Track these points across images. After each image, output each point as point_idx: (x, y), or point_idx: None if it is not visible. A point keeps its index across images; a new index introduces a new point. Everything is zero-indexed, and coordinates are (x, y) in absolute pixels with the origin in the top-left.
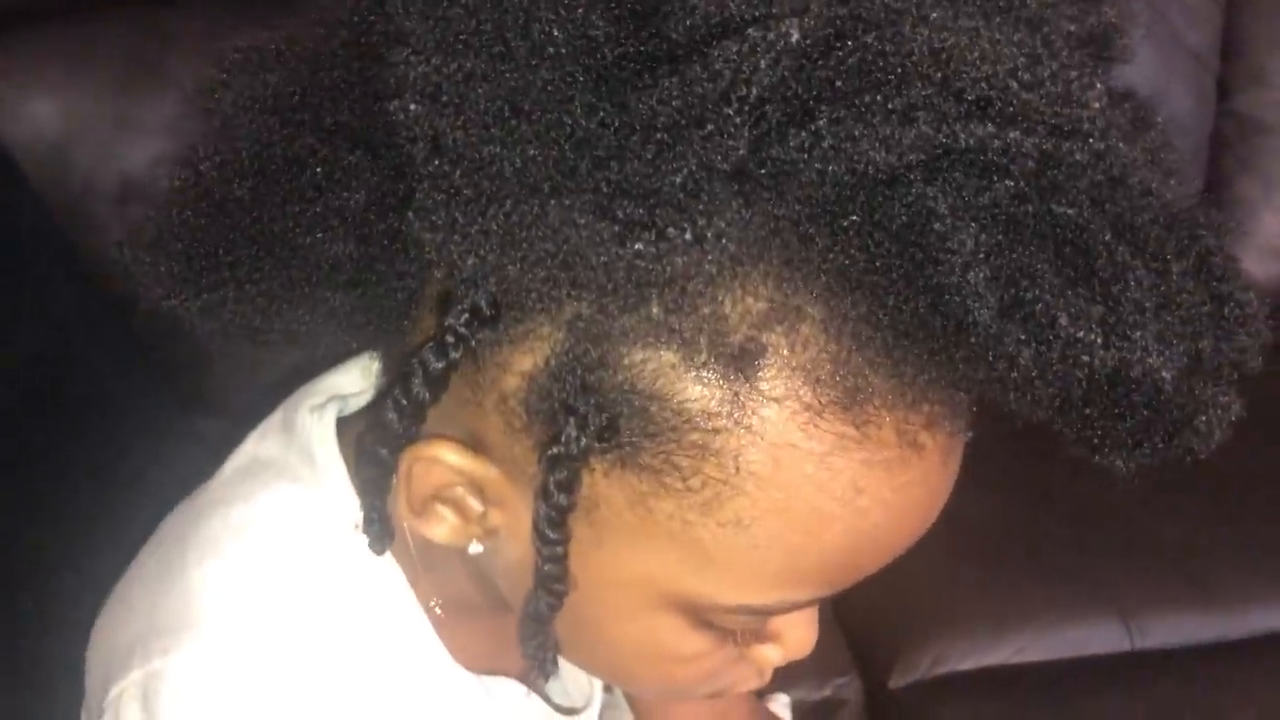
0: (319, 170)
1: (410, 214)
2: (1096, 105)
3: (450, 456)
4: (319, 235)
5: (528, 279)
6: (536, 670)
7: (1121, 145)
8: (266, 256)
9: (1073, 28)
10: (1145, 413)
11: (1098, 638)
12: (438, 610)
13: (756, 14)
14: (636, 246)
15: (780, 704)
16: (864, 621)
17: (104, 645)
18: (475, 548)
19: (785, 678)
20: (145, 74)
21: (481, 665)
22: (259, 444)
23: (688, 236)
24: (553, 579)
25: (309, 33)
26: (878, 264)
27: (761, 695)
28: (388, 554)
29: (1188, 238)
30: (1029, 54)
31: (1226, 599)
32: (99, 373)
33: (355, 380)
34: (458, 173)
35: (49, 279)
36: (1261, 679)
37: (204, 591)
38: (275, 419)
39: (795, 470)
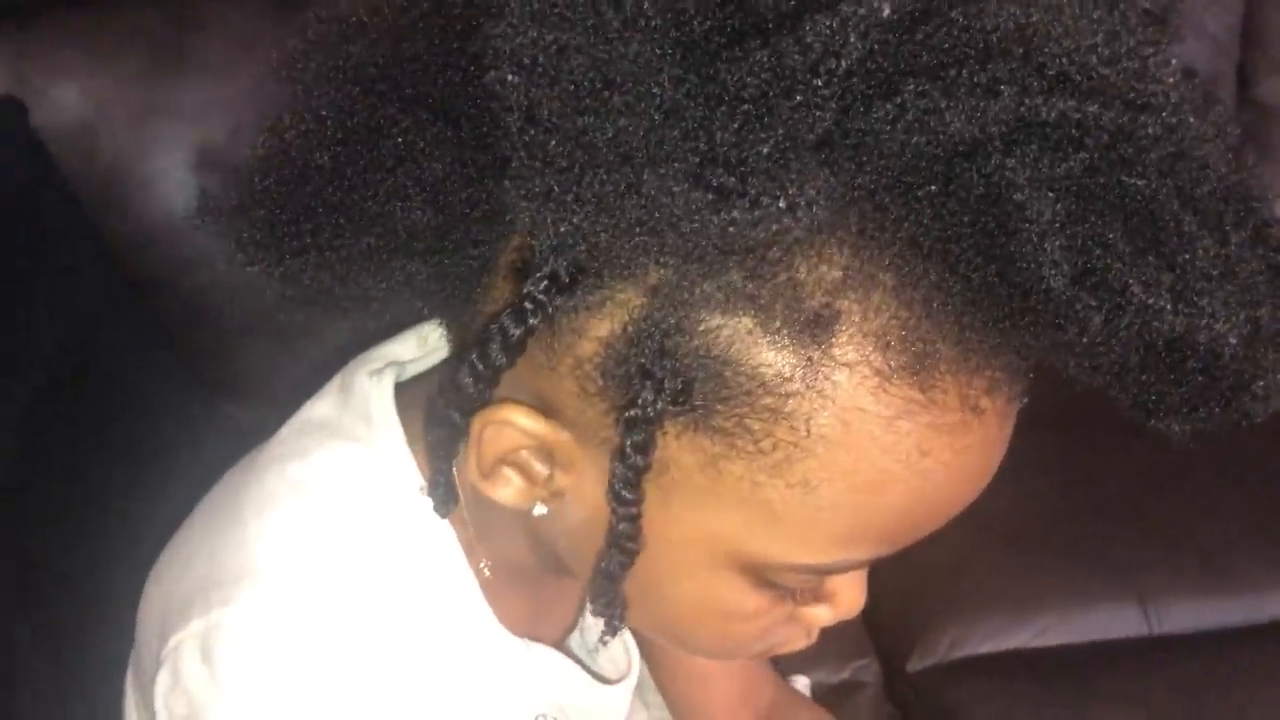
0: (399, 140)
1: (506, 181)
2: (1171, 81)
3: (522, 420)
4: (398, 204)
5: (618, 245)
6: (605, 628)
7: (1192, 120)
8: (347, 224)
9: (1148, 4)
10: (1202, 378)
11: (1116, 622)
12: (486, 572)
13: None
14: (732, 214)
15: (800, 685)
16: (883, 605)
17: (160, 597)
18: (539, 509)
19: (804, 660)
20: (171, 60)
21: (522, 630)
22: (314, 407)
23: (781, 204)
24: (626, 537)
25: (390, 3)
26: (951, 232)
27: (784, 676)
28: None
29: (1244, 209)
30: (1108, 31)
31: (1245, 584)
32: (124, 357)
33: (411, 348)
34: (553, 141)
35: (75, 264)
36: None
37: (262, 544)
38: (333, 383)
39: (864, 433)
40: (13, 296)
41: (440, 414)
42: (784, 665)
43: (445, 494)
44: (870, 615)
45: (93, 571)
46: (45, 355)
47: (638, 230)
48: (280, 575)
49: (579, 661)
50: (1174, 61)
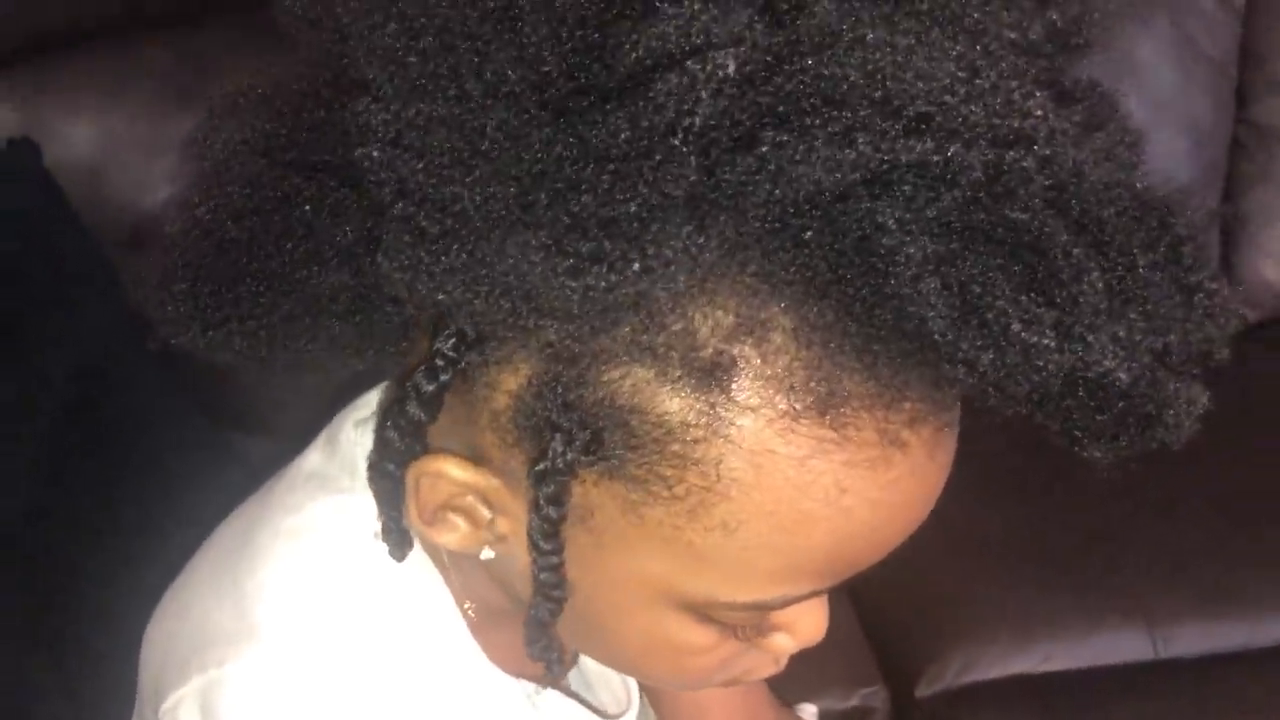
0: (308, 208)
1: (379, 255)
2: (1039, 113)
3: (454, 471)
4: (314, 269)
5: (492, 312)
6: (547, 672)
7: (1070, 148)
8: (266, 292)
9: (1013, 35)
10: (1119, 407)
11: (1123, 646)
12: (471, 614)
13: (694, 45)
14: (588, 280)
15: (808, 713)
16: (891, 630)
17: (158, 651)
18: (487, 554)
19: (811, 687)
20: (180, 97)
21: (516, 668)
22: (305, 458)
23: (636, 268)
24: (550, 586)
25: (294, 72)
26: (839, 275)
27: (790, 704)
28: (425, 560)
29: (1157, 228)
30: (968, 67)
31: (1251, 608)
32: (134, 390)
33: None
34: (422, 214)
35: (87, 298)
36: None
37: (258, 602)
38: (323, 434)
39: (776, 475)
40: (26, 329)
41: (376, 466)
42: (791, 693)
43: (398, 540)
44: (878, 641)
45: (105, 608)
46: (57, 389)
47: (506, 297)
48: (277, 632)
49: (578, 697)
50: (1039, 94)
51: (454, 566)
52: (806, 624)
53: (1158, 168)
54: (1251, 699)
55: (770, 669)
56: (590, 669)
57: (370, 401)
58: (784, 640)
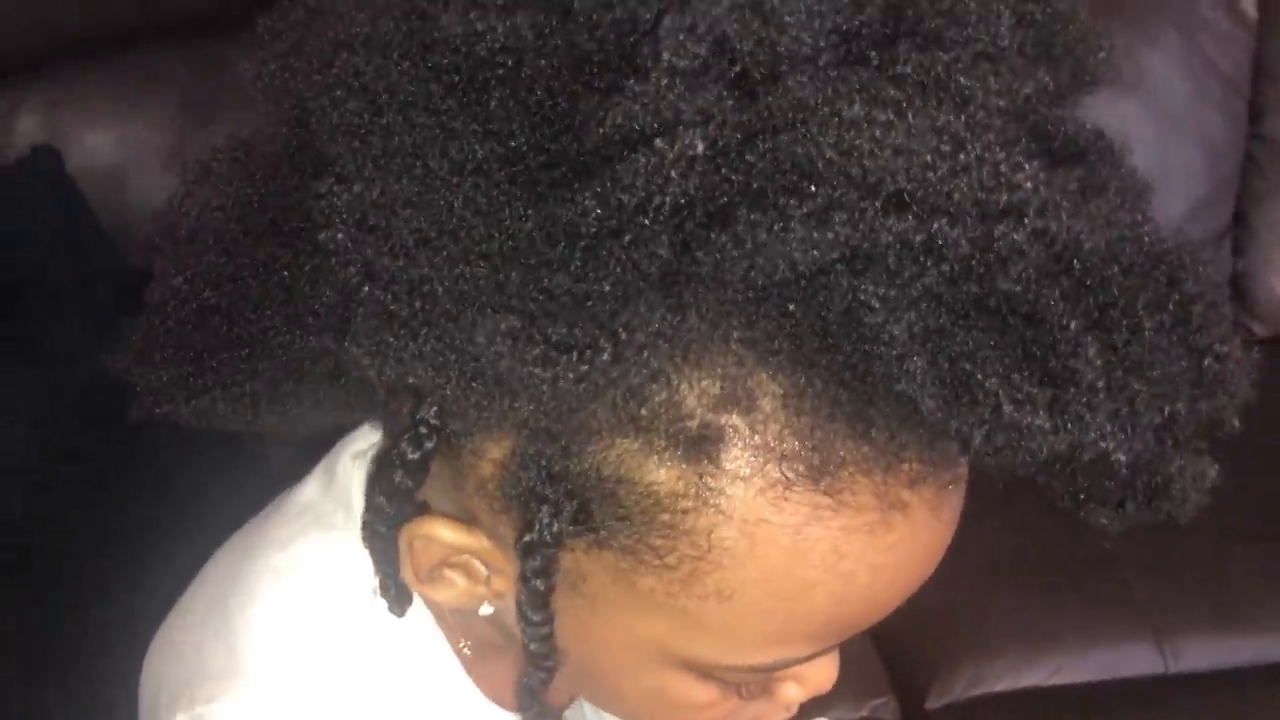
0: (285, 274)
1: (347, 340)
2: (1029, 185)
3: (445, 533)
4: (294, 334)
5: (464, 396)
6: None
7: (1065, 218)
8: (248, 358)
9: (1001, 101)
10: (1125, 479)
11: (1132, 660)
12: (467, 651)
13: (665, 122)
14: (557, 370)
15: None
16: (901, 643)
17: (152, 681)
18: (486, 609)
19: (821, 699)
20: (201, 105)
21: (511, 702)
22: (301, 489)
23: (606, 357)
24: (540, 657)
25: (267, 134)
26: (826, 344)
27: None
28: (418, 602)
29: (1165, 285)
30: (952, 139)
31: (1260, 623)
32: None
33: None
34: (390, 297)
35: (109, 303)
36: None
37: (247, 640)
38: (320, 465)
39: (771, 544)
40: (46, 337)
41: (369, 527)
42: (801, 706)
43: (397, 597)
44: (888, 653)
45: (118, 621)
46: (78, 396)
47: (476, 382)
48: (264, 673)
49: None
50: (1029, 165)
51: (451, 612)
52: (815, 675)
53: (1163, 180)
54: (1260, 713)
55: (782, 714)
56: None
57: (370, 433)
58: (793, 690)
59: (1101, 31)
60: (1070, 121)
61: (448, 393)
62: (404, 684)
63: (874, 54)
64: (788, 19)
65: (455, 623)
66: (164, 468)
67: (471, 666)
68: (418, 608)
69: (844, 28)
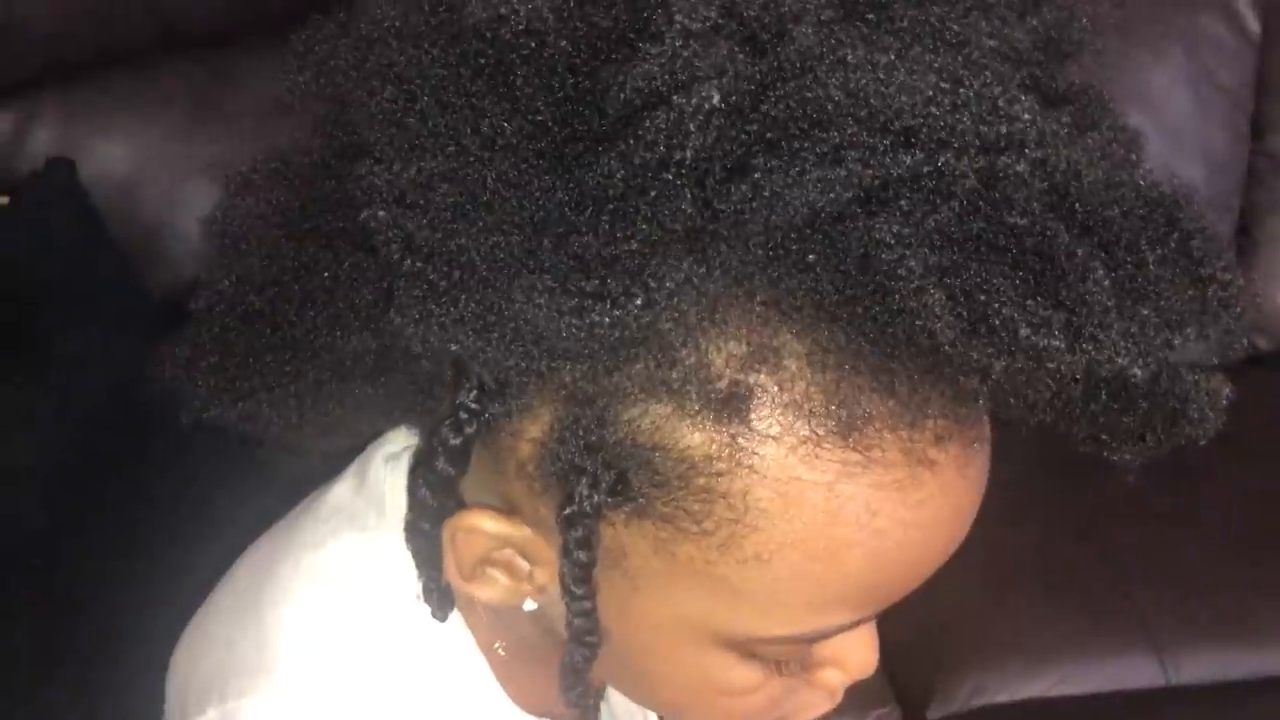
0: (325, 275)
1: (392, 312)
2: (1026, 116)
3: (488, 524)
4: (336, 334)
5: (507, 358)
6: (580, 716)
7: (1063, 149)
8: (291, 360)
9: (994, 42)
10: (1140, 407)
11: (1133, 673)
12: (501, 652)
13: (679, 81)
14: (593, 317)
15: None
16: (903, 653)
17: (181, 676)
18: (529, 605)
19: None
20: (211, 115)
21: (541, 708)
22: (334, 489)
23: (638, 302)
24: (584, 632)
25: (303, 145)
26: (847, 295)
27: None
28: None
29: (1165, 223)
30: (951, 77)
31: (1262, 636)
32: (168, 406)
33: None
34: (430, 268)
35: (122, 314)
36: None
37: (278, 637)
38: (353, 466)
39: (804, 502)
40: (61, 348)
41: (411, 525)
42: None
43: (440, 600)
44: (890, 664)
45: (133, 627)
46: (91, 408)
47: (518, 342)
48: (295, 669)
49: None
50: (1024, 98)
51: (487, 609)
52: (856, 656)
53: (1161, 166)
54: None
55: (824, 706)
56: (618, 705)
57: (402, 437)
58: (834, 675)
59: (1083, 6)
60: (1060, 70)
61: (489, 356)
62: (432, 683)
63: (871, 13)
64: None
65: (491, 624)
66: (177, 475)
67: (502, 668)
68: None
69: None
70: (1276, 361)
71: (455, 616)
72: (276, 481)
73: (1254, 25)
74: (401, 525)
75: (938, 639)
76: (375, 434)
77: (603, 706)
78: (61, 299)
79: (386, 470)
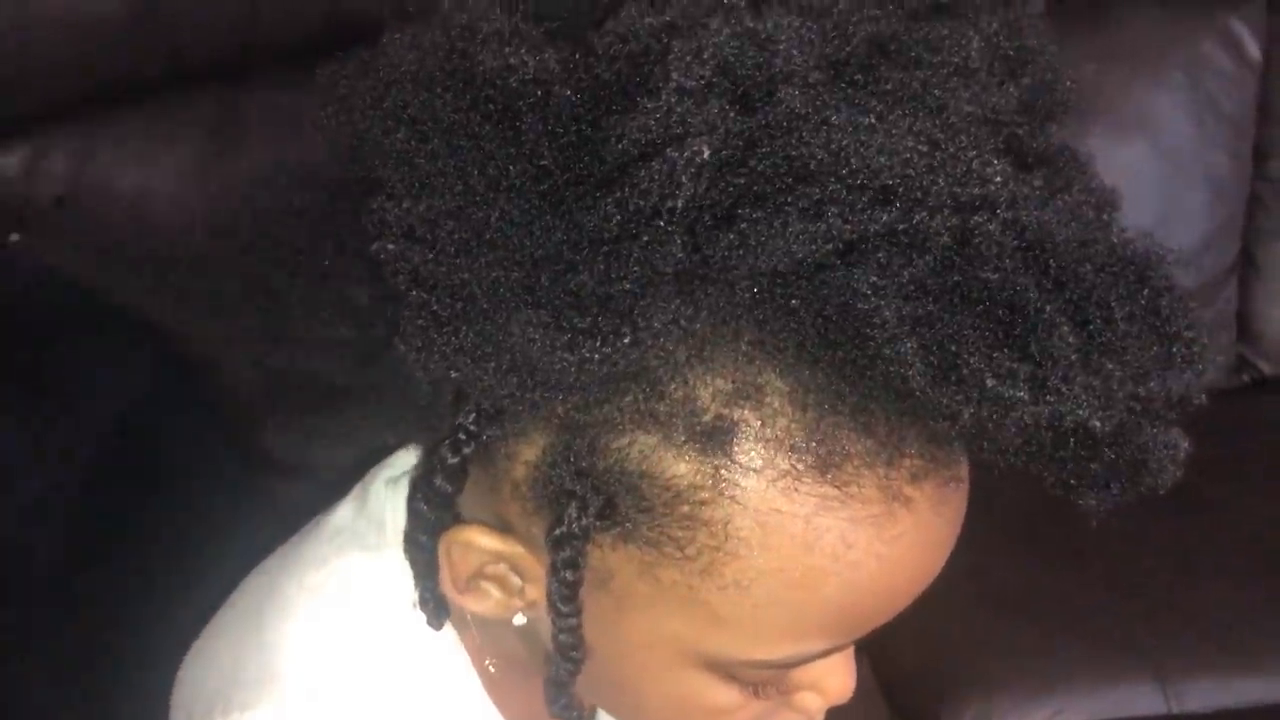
0: (337, 293)
1: (396, 338)
2: (999, 179)
3: (482, 540)
4: (338, 334)
5: (502, 387)
6: None
7: (1034, 210)
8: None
9: (972, 108)
10: (1106, 455)
11: (1135, 701)
12: (492, 669)
13: (673, 134)
14: (583, 352)
15: None
16: (904, 680)
17: (187, 693)
18: (519, 619)
19: None
20: (223, 151)
21: None
22: (336, 512)
23: (626, 340)
24: (569, 648)
25: (327, 164)
26: (827, 339)
27: None
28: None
29: (1137, 281)
30: (928, 140)
31: (1265, 664)
32: (174, 434)
33: None
34: (434, 299)
35: (130, 344)
36: None
37: (282, 652)
38: (355, 489)
39: (783, 533)
40: (71, 379)
41: (410, 537)
42: None
43: (435, 609)
44: (892, 692)
45: (141, 648)
46: (99, 438)
47: (513, 373)
48: (299, 682)
49: None
50: (997, 162)
51: (480, 628)
52: (833, 682)
53: (1169, 219)
54: None
55: None
56: None
57: (402, 462)
58: (812, 699)
59: (1070, 62)
60: (1039, 134)
61: (485, 384)
62: (428, 698)
63: (859, 76)
64: (780, 46)
65: (483, 640)
66: (182, 505)
67: (494, 685)
68: (445, 626)
69: (831, 56)
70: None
71: (450, 634)
72: (275, 510)
73: (1255, 52)
74: (400, 545)
75: (939, 666)
76: (378, 450)
77: None
78: (71, 333)
79: (387, 493)
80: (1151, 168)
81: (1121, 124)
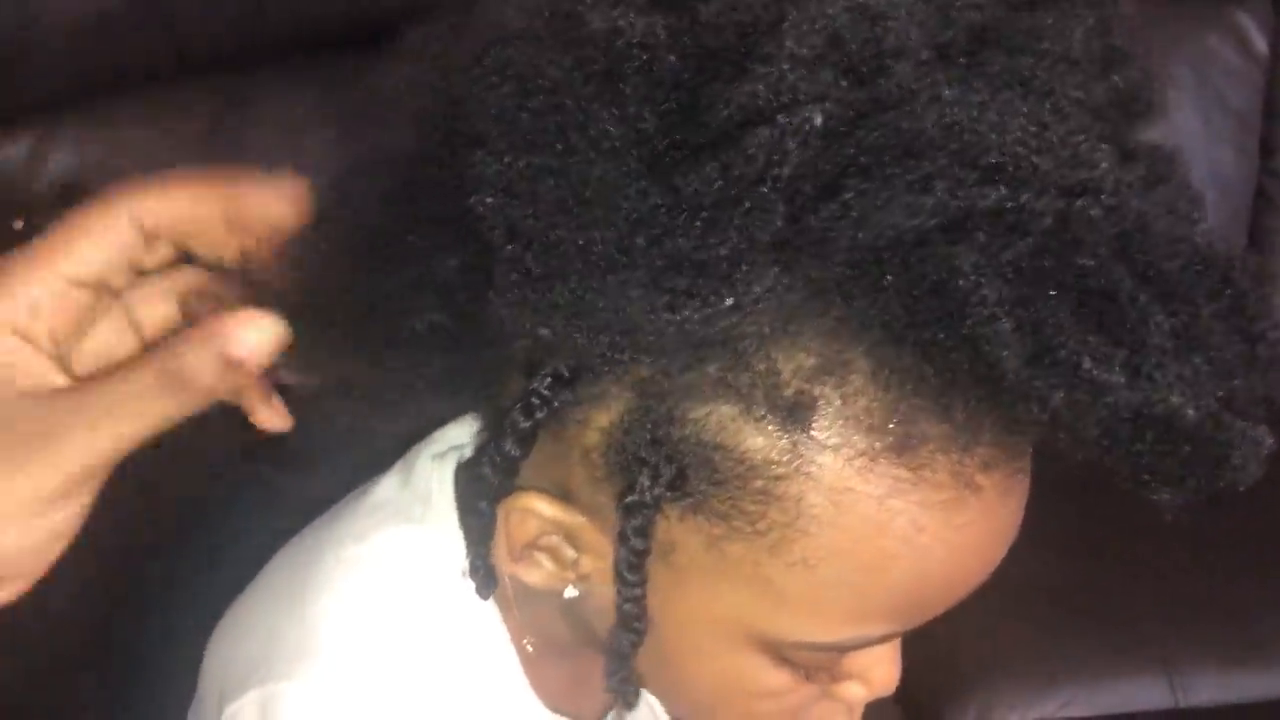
0: (419, 251)
1: (491, 293)
2: (1105, 164)
3: (543, 507)
4: (419, 309)
5: (593, 346)
6: (619, 702)
7: (1134, 200)
8: (370, 332)
9: (1079, 94)
10: (1186, 448)
11: (1143, 694)
12: (529, 648)
13: (784, 102)
14: (684, 313)
15: None
16: (910, 673)
17: (219, 664)
18: (570, 592)
19: None
20: (227, 142)
21: (564, 705)
22: (378, 488)
23: (728, 303)
24: (632, 618)
25: (400, 140)
26: (917, 319)
27: None
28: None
29: (1221, 281)
30: (1037, 122)
31: (1273, 658)
32: (179, 425)
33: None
34: (529, 255)
35: None
36: None
37: (321, 623)
38: (397, 465)
39: (855, 513)
40: None
41: (468, 503)
42: None
43: (485, 578)
44: (899, 683)
45: (149, 640)
46: None
47: (609, 331)
48: (337, 654)
49: None
50: (1104, 147)
51: (521, 603)
52: (879, 673)
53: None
54: None
55: (844, 718)
56: (638, 712)
57: (448, 437)
58: (857, 690)
59: (1160, 73)
60: (1130, 129)
61: (576, 343)
62: (465, 675)
63: (964, 59)
64: (893, 21)
65: (524, 618)
66: (193, 497)
67: (530, 664)
68: (486, 605)
69: (938, 39)
70: None
71: (492, 609)
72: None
73: (1262, 47)
74: (445, 519)
75: (946, 659)
76: (395, 443)
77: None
78: None
79: (433, 468)
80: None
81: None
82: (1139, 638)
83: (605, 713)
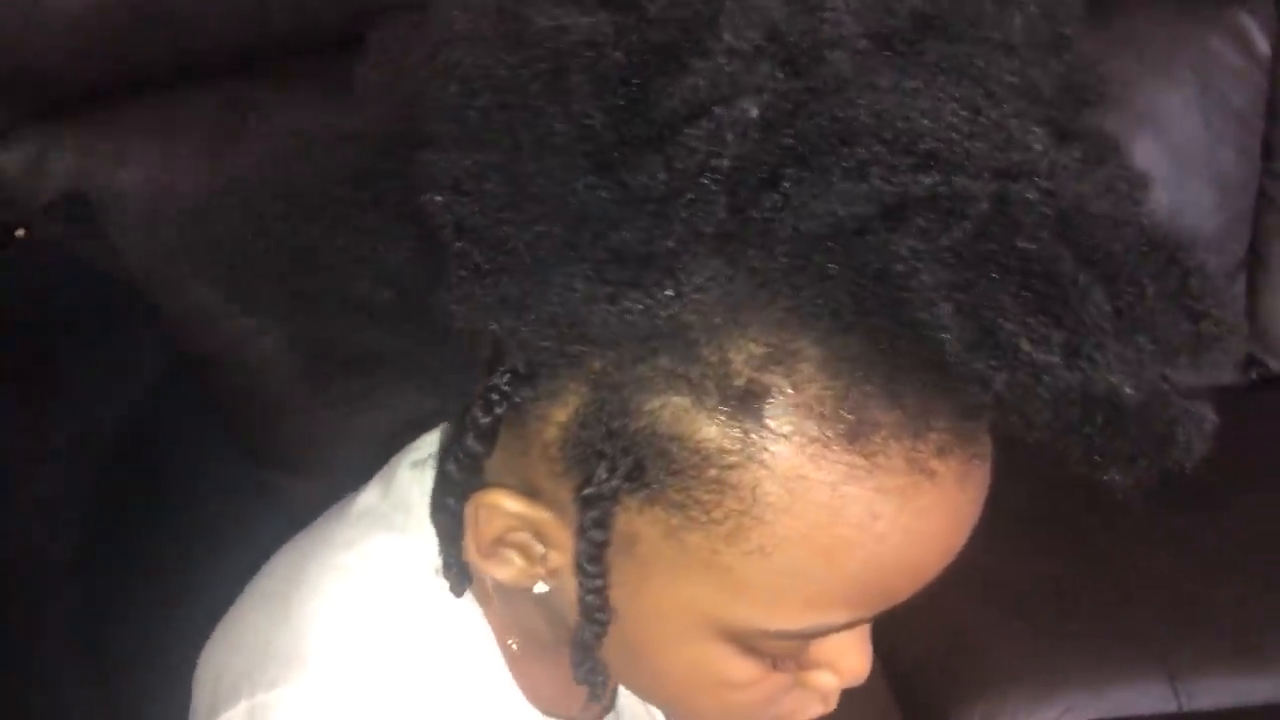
0: (370, 228)
1: (441, 290)
2: (1038, 147)
3: (508, 503)
4: (357, 275)
5: (541, 340)
6: (591, 696)
7: (1070, 182)
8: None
9: (1014, 79)
10: (1134, 429)
11: (1145, 699)
12: (514, 647)
13: (722, 94)
14: (625, 304)
15: None
16: (912, 678)
17: (211, 674)
18: (540, 588)
19: None
20: (227, 144)
21: (552, 706)
22: (361, 496)
23: (669, 293)
24: (594, 609)
25: (380, 118)
26: (862, 306)
27: None
28: (470, 597)
29: (1167, 262)
30: (970, 107)
31: (1276, 661)
32: (180, 433)
33: None
34: (477, 251)
35: (137, 346)
36: None
37: (309, 631)
38: (380, 474)
39: (809, 500)
40: (77, 378)
41: (437, 501)
42: None
43: (457, 575)
44: (900, 690)
45: (149, 645)
46: (106, 435)
47: (553, 326)
48: (325, 661)
49: None
50: (1037, 130)
51: (502, 603)
52: (849, 661)
53: (1178, 216)
54: None
55: (817, 709)
56: (625, 711)
57: (427, 444)
58: (827, 678)
59: (1100, 57)
60: (1074, 117)
61: (524, 337)
62: (453, 679)
63: (903, 47)
64: (829, 12)
65: (506, 617)
66: (188, 502)
67: (516, 664)
68: (470, 607)
69: (876, 28)
70: None
71: (475, 612)
72: (283, 508)
73: (1264, 47)
74: (427, 526)
75: (948, 664)
76: (396, 440)
77: (612, 717)
78: (77, 330)
79: (412, 476)
80: (1159, 165)
81: (1129, 120)
82: (1141, 643)
83: (602, 713)
